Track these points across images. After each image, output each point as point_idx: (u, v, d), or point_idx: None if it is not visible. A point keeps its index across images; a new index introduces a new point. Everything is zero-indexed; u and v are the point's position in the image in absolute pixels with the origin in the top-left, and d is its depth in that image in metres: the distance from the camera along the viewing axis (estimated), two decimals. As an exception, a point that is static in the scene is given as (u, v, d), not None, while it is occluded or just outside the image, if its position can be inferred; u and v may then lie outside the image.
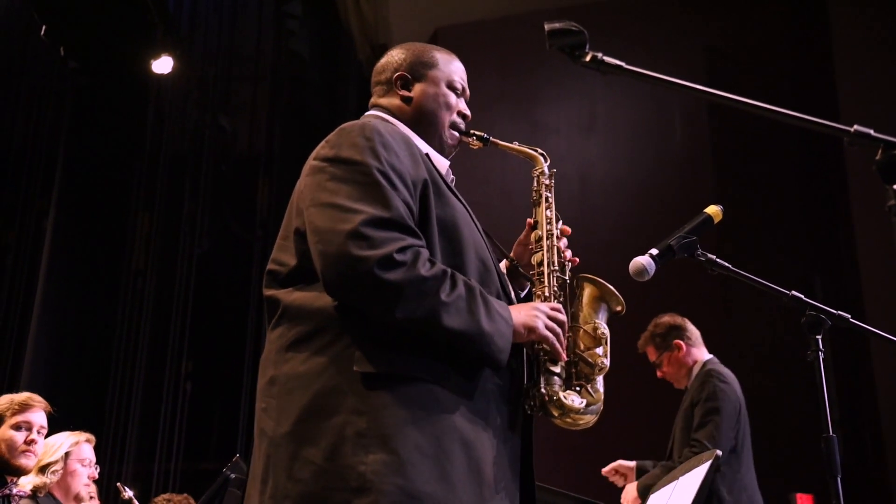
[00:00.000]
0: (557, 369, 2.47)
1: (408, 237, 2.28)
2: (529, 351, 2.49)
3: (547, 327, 2.45)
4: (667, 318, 5.40)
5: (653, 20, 9.97)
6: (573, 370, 2.53)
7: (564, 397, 2.44)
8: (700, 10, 9.99)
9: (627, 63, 2.09)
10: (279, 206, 10.00)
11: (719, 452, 3.81)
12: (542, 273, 2.66)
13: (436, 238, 2.40)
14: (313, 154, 2.51)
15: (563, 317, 2.51)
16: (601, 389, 2.54)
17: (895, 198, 1.67)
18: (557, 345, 2.45)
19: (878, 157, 1.71)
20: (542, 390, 2.43)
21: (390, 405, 2.18)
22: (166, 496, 6.28)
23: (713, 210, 2.90)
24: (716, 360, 5.32)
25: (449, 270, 2.31)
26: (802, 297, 2.87)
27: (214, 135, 10.14)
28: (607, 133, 10.02)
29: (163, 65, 9.01)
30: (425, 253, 2.30)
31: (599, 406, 2.52)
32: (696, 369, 5.27)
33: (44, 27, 8.47)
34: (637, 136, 9.94)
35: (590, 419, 2.50)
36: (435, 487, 2.14)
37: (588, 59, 2.10)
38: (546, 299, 2.60)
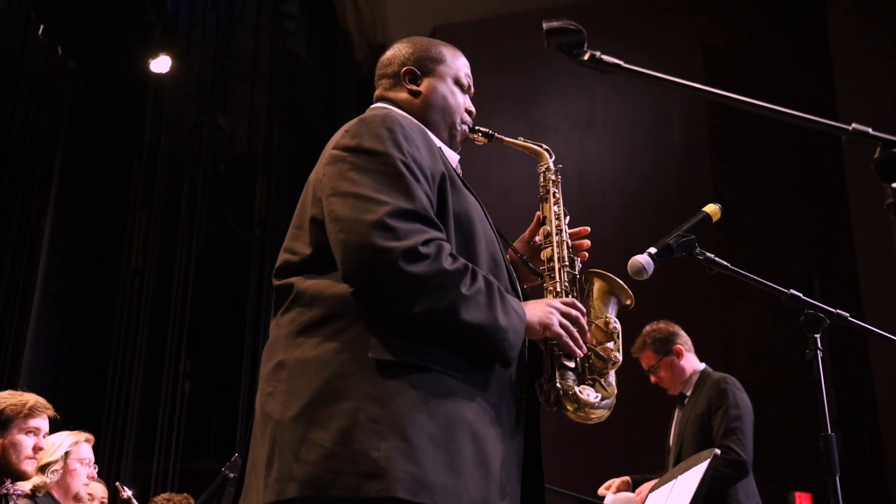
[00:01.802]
0: (571, 364, 2.47)
1: (431, 230, 2.27)
2: (543, 345, 2.48)
3: (561, 324, 2.44)
4: (663, 324, 5.40)
5: (651, 19, 9.98)
6: (586, 364, 2.53)
7: (580, 391, 2.44)
8: (699, 10, 10.00)
9: (626, 62, 2.09)
10: (277, 206, 10.03)
11: (718, 451, 3.78)
12: (553, 268, 2.67)
13: (452, 232, 2.39)
14: (332, 143, 2.48)
15: (576, 312, 2.50)
16: (613, 384, 2.54)
17: (893, 196, 1.66)
18: (570, 342, 2.45)
19: (876, 156, 1.71)
20: (558, 384, 2.43)
21: (404, 393, 2.16)
22: (166, 496, 6.27)
23: (711, 209, 2.89)
24: (709, 368, 5.36)
25: (470, 265, 2.30)
26: (801, 295, 2.87)
27: (212, 134, 10.15)
28: (606, 132, 10.03)
29: (161, 64, 9.01)
30: (447, 246, 2.28)
31: (612, 400, 2.52)
32: (694, 377, 5.29)
33: (42, 26, 8.46)
34: (635, 135, 9.95)
35: (603, 413, 2.50)
36: (445, 478, 2.12)
37: (586, 57, 2.09)
38: (557, 294, 2.61)
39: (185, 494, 6.25)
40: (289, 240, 2.47)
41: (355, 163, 2.35)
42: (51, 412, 4.57)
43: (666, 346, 5.33)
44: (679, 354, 5.30)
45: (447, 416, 2.19)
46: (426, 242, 2.22)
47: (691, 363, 5.33)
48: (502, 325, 2.28)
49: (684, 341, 5.36)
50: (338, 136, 2.48)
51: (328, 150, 2.47)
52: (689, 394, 5.27)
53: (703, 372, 5.29)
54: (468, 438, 2.20)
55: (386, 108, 2.62)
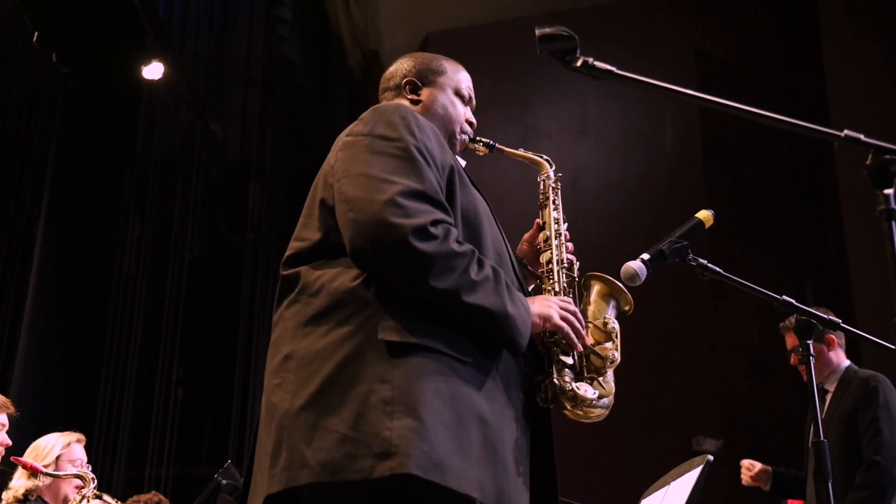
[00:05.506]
0: (570, 361, 2.48)
1: (440, 212, 2.30)
2: (540, 343, 2.49)
3: (561, 317, 2.46)
4: (823, 311, 5.29)
5: (644, 25, 10.00)
6: (584, 363, 2.54)
7: (577, 388, 2.44)
8: (691, 16, 10.02)
9: (618, 68, 2.09)
10: (270, 211, 10.02)
11: (710, 458, 3.76)
12: (552, 270, 2.69)
13: (459, 224, 2.41)
14: (346, 131, 2.52)
15: (573, 307, 2.53)
16: (612, 383, 2.54)
17: (885, 202, 1.67)
18: (572, 334, 2.47)
19: (868, 162, 1.71)
20: (555, 381, 2.43)
21: (415, 375, 2.16)
22: (134, 498, 6.16)
23: (704, 215, 2.90)
24: (854, 365, 5.22)
25: (476, 251, 2.33)
26: (793, 301, 2.87)
27: (205, 140, 10.11)
28: (598, 138, 10.04)
29: (153, 70, 8.99)
30: (455, 231, 2.31)
31: (610, 399, 2.52)
32: (838, 372, 5.15)
33: (36, 33, 8.45)
34: (628, 141, 9.97)
35: (601, 412, 2.50)
36: (454, 459, 2.12)
37: (579, 63, 2.09)
38: (556, 295, 2.62)
39: (153, 492, 6.19)
40: (298, 229, 2.49)
41: (368, 146, 2.39)
42: (11, 410, 4.56)
43: (821, 332, 5.19)
44: (830, 344, 5.16)
45: (456, 400, 2.19)
46: (435, 223, 2.25)
47: (839, 357, 5.18)
48: (511, 313, 2.30)
49: (839, 334, 5.17)
50: (352, 125, 2.53)
51: (341, 139, 2.51)
52: (831, 389, 5.13)
53: (848, 368, 5.16)
54: (475, 422, 2.21)
55: (397, 101, 2.70)
